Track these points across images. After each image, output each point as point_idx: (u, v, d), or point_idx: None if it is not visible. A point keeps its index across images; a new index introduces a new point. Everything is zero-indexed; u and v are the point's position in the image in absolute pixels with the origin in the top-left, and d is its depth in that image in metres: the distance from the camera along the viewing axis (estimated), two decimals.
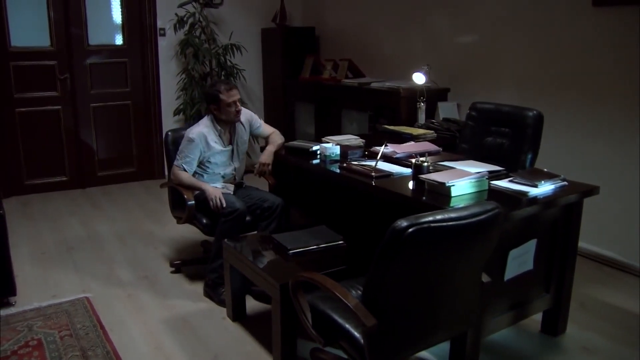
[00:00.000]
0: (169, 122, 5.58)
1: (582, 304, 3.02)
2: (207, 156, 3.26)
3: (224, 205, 3.08)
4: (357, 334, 1.93)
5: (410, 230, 1.70)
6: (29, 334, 2.77)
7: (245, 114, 3.43)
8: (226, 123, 3.29)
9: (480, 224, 1.83)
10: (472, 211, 1.83)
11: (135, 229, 4.29)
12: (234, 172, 3.40)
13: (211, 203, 3.09)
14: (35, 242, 3.99)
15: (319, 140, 3.48)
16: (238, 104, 3.24)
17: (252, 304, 3.03)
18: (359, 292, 2.14)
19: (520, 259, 2.46)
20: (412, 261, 1.77)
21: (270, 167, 3.40)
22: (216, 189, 3.19)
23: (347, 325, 1.98)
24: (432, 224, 1.73)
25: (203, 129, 3.23)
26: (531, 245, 2.49)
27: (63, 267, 3.57)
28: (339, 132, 4.90)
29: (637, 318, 2.93)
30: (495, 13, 4.09)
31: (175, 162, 3.25)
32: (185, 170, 3.21)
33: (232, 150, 3.35)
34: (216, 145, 3.26)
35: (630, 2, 3.27)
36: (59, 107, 5.14)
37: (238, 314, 2.92)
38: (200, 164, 3.28)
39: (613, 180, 3.33)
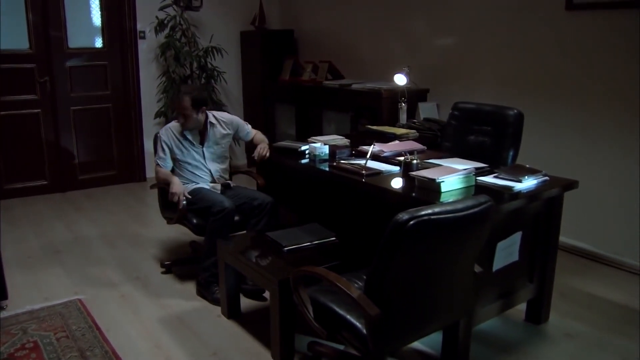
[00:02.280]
0: (149, 125, 5.59)
1: (562, 294, 3.17)
2: (176, 154, 3.35)
3: (182, 204, 3.18)
4: (359, 324, 2.02)
5: (411, 222, 1.79)
6: (24, 336, 2.77)
7: (224, 117, 3.50)
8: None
9: (475, 216, 1.94)
10: (467, 204, 1.94)
11: (121, 231, 4.30)
12: (210, 175, 3.43)
13: (169, 196, 3.22)
14: (21, 246, 3.96)
15: (304, 141, 3.56)
16: (183, 115, 3.27)
17: (245, 302, 3.08)
18: (357, 284, 2.23)
19: (507, 251, 2.58)
20: (413, 252, 1.86)
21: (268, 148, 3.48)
22: (180, 185, 3.26)
23: (349, 316, 2.06)
24: (432, 216, 1.82)
25: (170, 128, 3.38)
26: (517, 237, 2.61)
27: (52, 270, 3.57)
28: (320, 133, 4.99)
29: (613, 305, 3.10)
30: (473, 16, 4.23)
31: (155, 160, 3.41)
32: (161, 166, 3.35)
33: (203, 152, 3.40)
34: (184, 142, 3.35)
35: (600, 6, 3.45)
36: (39, 110, 5.10)
37: (233, 312, 2.97)
38: (178, 164, 3.38)
39: (588, 176, 3.49)
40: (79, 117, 5.30)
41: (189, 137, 3.36)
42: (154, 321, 2.94)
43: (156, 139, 3.48)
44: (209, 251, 3.12)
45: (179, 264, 3.59)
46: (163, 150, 3.35)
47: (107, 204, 5.00)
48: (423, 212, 1.82)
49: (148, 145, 5.57)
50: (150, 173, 5.56)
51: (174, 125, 3.39)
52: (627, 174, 3.45)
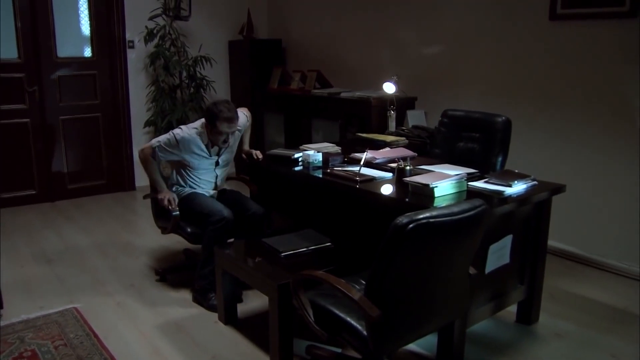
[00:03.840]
0: (138, 134, 5.61)
1: (551, 295, 3.26)
2: (188, 162, 3.30)
3: (174, 207, 3.21)
4: (359, 326, 2.07)
5: (410, 226, 1.85)
6: (22, 345, 2.78)
7: (241, 120, 3.39)
8: None
9: (471, 219, 2.01)
10: (463, 207, 2.01)
11: (113, 240, 4.30)
12: (214, 180, 3.45)
13: (159, 201, 3.25)
14: (12, 256, 3.94)
15: (296, 149, 3.62)
16: (230, 136, 3.26)
17: (241, 308, 3.11)
18: (356, 287, 2.28)
19: (499, 253, 2.66)
20: (412, 254, 1.92)
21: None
22: (169, 191, 3.28)
23: (349, 318, 2.12)
24: (430, 220, 1.89)
25: (192, 137, 3.24)
26: (508, 240, 2.69)
27: (46, 279, 3.57)
28: (309, 141, 5.05)
29: (600, 305, 3.20)
30: (459, 26, 4.34)
31: (152, 143, 3.27)
32: (159, 154, 3.24)
33: (217, 162, 3.39)
34: (201, 153, 3.29)
35: (582, 17, 3.58)
36: (27, 120, 5.08)
37: (230, 318, 3.00)
38: (183, 168, 3.34)
39: (572, 180, 3.59)
40: (68, 127, 5.30)
41: (209, 147, 3.29)
42: (152, 328, 2.96)
43: (172, 134, 3.33)
44: (207, 259, 3.14)
45: (174, 271, 3.61)
46: (171, 152, 3.23)
47: (97, 213, 4.99)
48: (422, 216, 1.89)
49: (137, 154, 5.57)
50: (140, 182, 5.57)
51: (194, 135, 3.24)
52: (610, 179, 3.57)
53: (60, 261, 3.87)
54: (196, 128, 3.29)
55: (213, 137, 3.24)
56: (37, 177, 5.20)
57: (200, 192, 3.39)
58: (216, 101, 3.24)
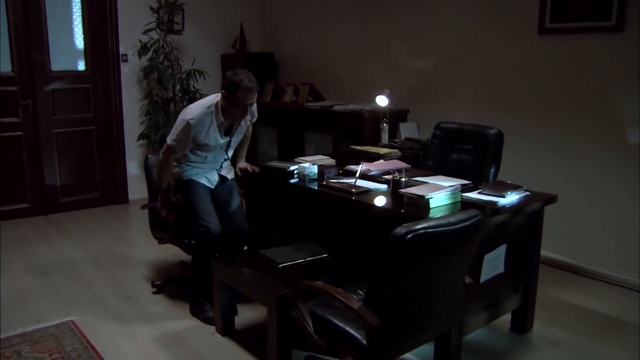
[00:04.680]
0: (132, 147, 5.62)
1: (543, 304, 3.30)
2: (203, 144, 3.14)
3: (172, 217, 3.23)
4: (358, 335, 2.10)
5: (409, 236, 1.89)
6: (19, 359, 2.77)
7: (254, 105, 3.31)
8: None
9: (467, 229, 2.05)
10: (459, 217, 2.05)
11: (108, 252, 4.30)
12: (221, 162, 3.35)
13: (162, 212, 3.25)
14: (6, 270, 3.93)
15: (290, 161, 3.65)
16: (249, 108, 3.12)
17: (238, 320, 3.13)
18: (354, 297, 2.31)
19: (493, 263, 2.71)
20: (410, 264, 1.96)
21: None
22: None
23: (348, 328, 2.15)
24: (428, 230, 1.93)
25: (203, 116, 3.06)
26: (502, 250, 2.74)
27: (41, 293, 3.56)
28: (302, 154, 5.07)
29: (592, 313, 3.26)
30: (450, 39, 4.42)
31: (169, 141, 3.12)
32: (177, 150, 3.12)
33: (229, 142, 3.29)
34: (214, 133, 3.13)
35: (569, 31, 3.67)
36: (21, 133, 5.08)
37: (227, 329, 3.02)
38: (194, 147, 3.19)
39: (563, 191, 3.65)
40: (61, 140, 5.30)
41: (220, 127, 3.13)
42: (150, 340, 2.96)
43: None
44: (198, 273, 3.16)
45: (170, 283, 3.62)
46: (187, 136, 3.04)
47: (91, 226, 4.99)
48: (419, 226, 1.93)
49: (130, 167, 5.62)
50: (133, 195, 5.59)
51: (207, 114, 3.07)
52: (600, 189, 3.65)
53: (55, 274, 3.86)
54: (209, 106, 3.09)
55: (231, 110, 3.07)
56: (30, 190, 5.19)
57: (203, 181, 3.27)
58: (236, 70, 3.03)
